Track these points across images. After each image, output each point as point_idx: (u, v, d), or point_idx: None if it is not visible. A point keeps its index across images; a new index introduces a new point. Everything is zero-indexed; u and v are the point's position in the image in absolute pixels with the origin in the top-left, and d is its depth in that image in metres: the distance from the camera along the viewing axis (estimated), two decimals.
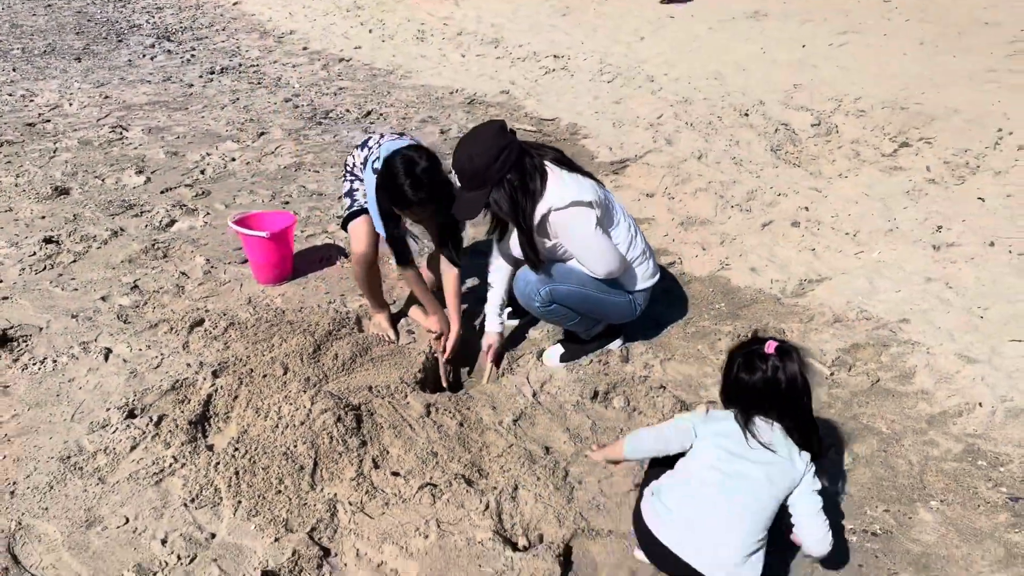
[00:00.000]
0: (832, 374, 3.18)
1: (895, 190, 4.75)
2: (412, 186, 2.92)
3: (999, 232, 4.13)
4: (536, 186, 2.86)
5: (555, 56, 8.15)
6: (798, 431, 2.25)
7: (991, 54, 6.75)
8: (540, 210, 2.87)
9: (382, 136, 3.31)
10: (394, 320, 3.54)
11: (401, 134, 3.35)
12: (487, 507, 2.47)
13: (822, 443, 2.34)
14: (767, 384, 2.22)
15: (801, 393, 2.23)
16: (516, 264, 3.24)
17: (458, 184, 2.91)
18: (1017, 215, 4.27)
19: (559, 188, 2.87)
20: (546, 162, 2.93)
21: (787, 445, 2.24)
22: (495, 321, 3.33)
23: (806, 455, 2.24)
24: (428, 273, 3.73)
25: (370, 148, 3.26)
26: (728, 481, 2.19)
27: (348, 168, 3.41)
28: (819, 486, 2.22)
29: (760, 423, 2.26)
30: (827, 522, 2.16)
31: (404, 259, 3.23)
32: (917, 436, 2.83)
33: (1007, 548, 2.35)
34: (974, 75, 6.30)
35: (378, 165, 3.06)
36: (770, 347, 2.22)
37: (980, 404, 2.95)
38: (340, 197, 3.47)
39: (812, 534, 2.15)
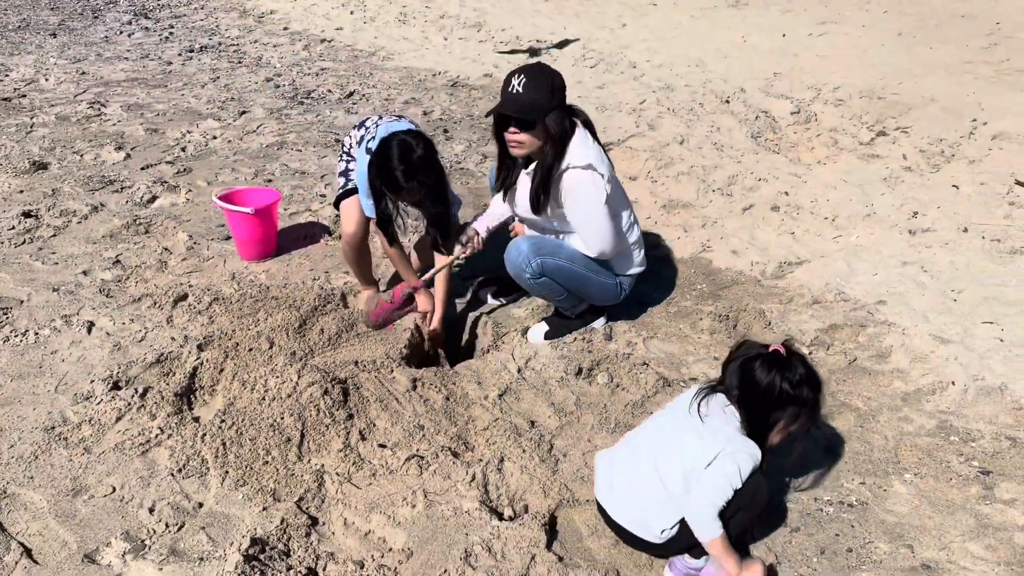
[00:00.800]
0: (811, 353, 3.25)
1: (872, 177, 4.83)
2: (405, 173, 2.93)
3: (972, 218, 4.22)
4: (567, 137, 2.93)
5: (538, 40, 8.15)
6: (746, 428, 2.17)
7: (967, 46, 6.86)
8: (561, 164, 2.92)
9: (380, 118, 3.31)
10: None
11: (400, 117, 3.35)
12: (473, 478, 2.50)
13: (764, 453, 2.18)
14: (745, 373, 2.16)
15: (768, 401, 2.12)
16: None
17: (515, 96, 2.84)
18: (990, 202, 4.36)
19: (582, 148, 2.93)
20: (578, 123, 2.98)
21: (722, 424, 2.17)
22: (482, 225, 3.34)
23: (738, 441, 2.13)
24: (416, 258, 3.75)
25: (367, 128, 3.27)
26: (648, 438, 2.30)
27: (345, 148, 3.42)
28: (728, 472, 2.08)
29: (717, 398, 2.23)
30: (710, 507, 2.07)
31: (392, 238, 3.25)
32: (892, 413, 2.90)
33: (978, 519, 2.42)
34: (951, 66, 6.41)
35: (372, 146, 3.07)
36: (771, 348, 2.17)
37: (953, 383, 3.02)
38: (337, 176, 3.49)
39: (688, 508, 2.12)
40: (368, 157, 3.08)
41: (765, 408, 2.14)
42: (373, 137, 3.14)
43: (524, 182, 3.10)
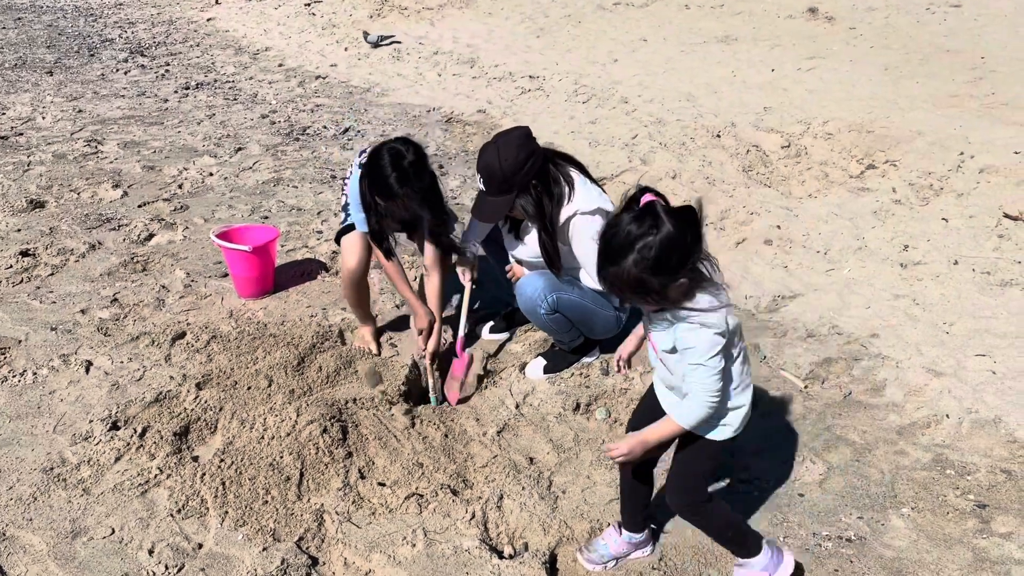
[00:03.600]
0: (806, 387, 3.27)
1: (863, 210, 4.89)
2: (398, 179, 2.93)
3: (962, 251, 4.27)
4: (563, 191, 2.99)
5: (531, 76, 8.26)
6: None
7: (953, 80, 6.99)
8: (566, 212, 2.98)
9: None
10: (378, 334, 3.57)
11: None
12: (473, 516, 2.50)
13: None
14: None
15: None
16: (497, 255, 3.39)
17: (480, 187, 2.97)
18: (979, 235, 4.42)
19: (586, 194, 3.02)
20: (571, 170, 3.05)
21: None
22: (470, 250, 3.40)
23: None
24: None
25: (364, 151, 3.26)
26: None
27: (345, 180, 3.44)
28: None
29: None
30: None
31: (388, 252, 3.26)
32: (888, 446, 2.92)
33: (975, 553, 2.43)
34: (937, 100, 6.52)
35: (364, 160, 3.10)
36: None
37: (947, 416, 3.05)
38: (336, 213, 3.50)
39: None
40: (360, 171, 3.10)
41: None
42: (364, 151, 3.16)
43: (533, 231, 3.16)
